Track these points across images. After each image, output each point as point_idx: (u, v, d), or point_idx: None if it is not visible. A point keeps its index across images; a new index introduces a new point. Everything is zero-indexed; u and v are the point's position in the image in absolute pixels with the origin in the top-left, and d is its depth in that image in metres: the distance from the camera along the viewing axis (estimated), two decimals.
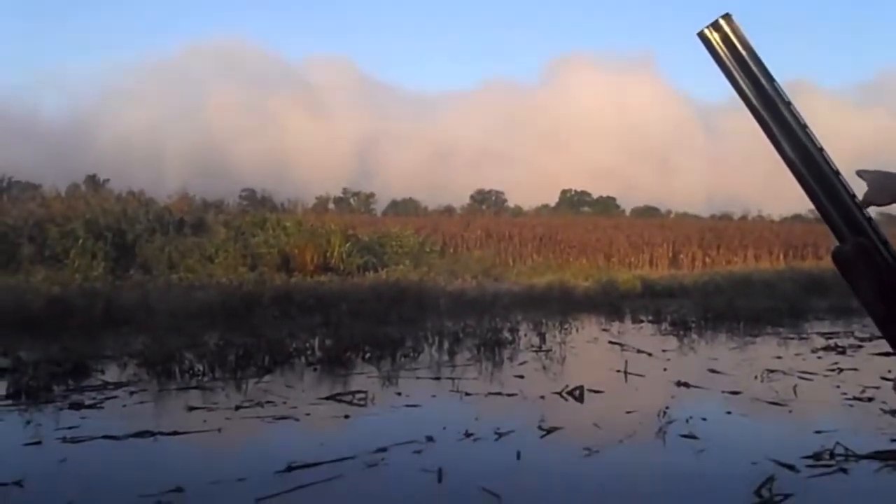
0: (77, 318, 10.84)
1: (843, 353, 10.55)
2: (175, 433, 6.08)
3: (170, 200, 22.46)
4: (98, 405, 7.08)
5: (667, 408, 6.90)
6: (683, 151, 62.22)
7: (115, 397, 7.41)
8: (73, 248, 16.45)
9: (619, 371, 8.89)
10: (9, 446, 5.84)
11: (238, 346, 9.15)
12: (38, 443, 5.84)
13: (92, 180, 30.90)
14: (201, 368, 8.59)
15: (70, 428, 6.17)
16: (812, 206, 0.78)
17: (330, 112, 62.62)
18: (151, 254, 17.35)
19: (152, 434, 6.02)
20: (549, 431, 6.29)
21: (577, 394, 7.66)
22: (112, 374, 8.44)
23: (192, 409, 6.99)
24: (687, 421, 6.48)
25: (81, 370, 8.42)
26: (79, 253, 16.30)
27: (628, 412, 6.96)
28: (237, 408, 7.01)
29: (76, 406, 6.99)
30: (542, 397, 7.60)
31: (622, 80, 65.73)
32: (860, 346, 11.11)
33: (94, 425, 6.25)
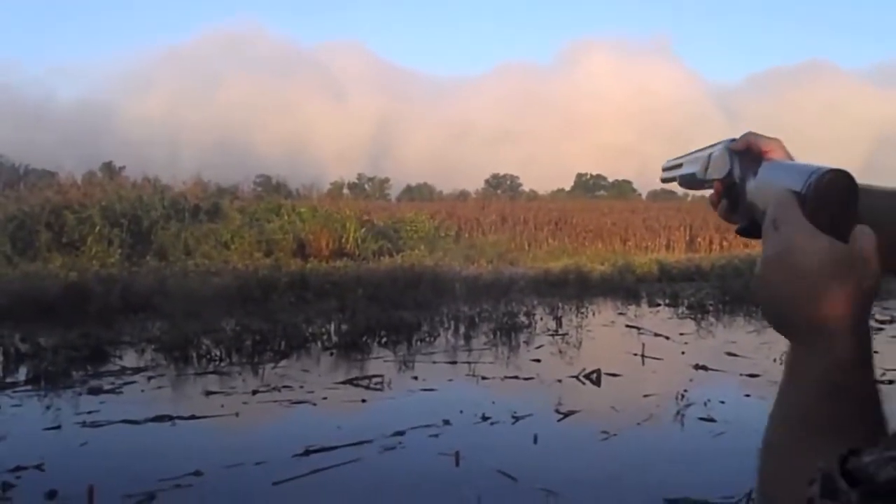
0: (94, 305, 10.90)
1: None
2: (193, 417, 6.12)
3: (185, 187, 22.51)
4: (117, 390, 7.13)
5: (684, 391, 6.85)
6: (700, 133, 61.74)
7: (133, 382, 7.46)
8: (90, 235, 16.53)
9: (636, 354, 8.85)
10: (29, 431, 5.88)
11: (254, 331, 9.18)
12: (58, 427, 5.89)
13: (108, 167, 31.09)
14: (218, 353, 8.63)
15: (89, 412, 6.22)
16: None
17: (344, 97, 62.64)
18: (167, 240, 17.44)
19: (171, 418, 6.06)
20: (566, 415, 6.27)
21: (595, 377, 7.63)
22: (130, 359, 8.49)
23: (209, 393, 7.02)
24: (705, 404, 6.44)
25: (100, 356, 8.47)
26: (95, 239, 16.39)
27: (646, 395, 6.94)
28: (254, 392, 7.04)
29: (95, 391, 7.05)
30: (559, 381, 7.57)
31: (637, 62, 65.26)
32: (881, 329, 10.98)
33: (113, 410, 6.30)
